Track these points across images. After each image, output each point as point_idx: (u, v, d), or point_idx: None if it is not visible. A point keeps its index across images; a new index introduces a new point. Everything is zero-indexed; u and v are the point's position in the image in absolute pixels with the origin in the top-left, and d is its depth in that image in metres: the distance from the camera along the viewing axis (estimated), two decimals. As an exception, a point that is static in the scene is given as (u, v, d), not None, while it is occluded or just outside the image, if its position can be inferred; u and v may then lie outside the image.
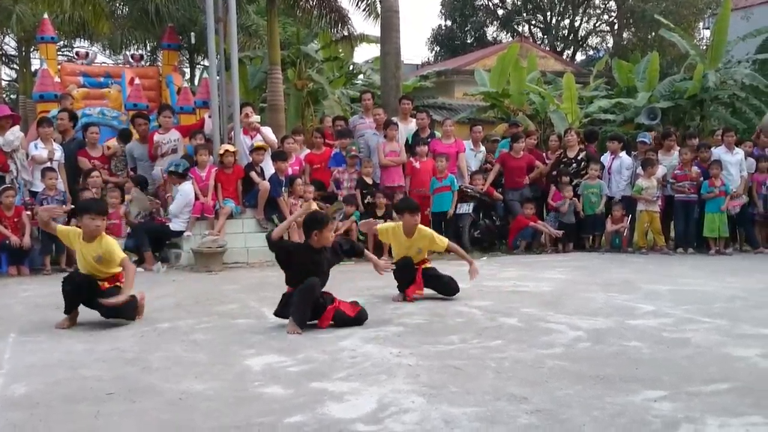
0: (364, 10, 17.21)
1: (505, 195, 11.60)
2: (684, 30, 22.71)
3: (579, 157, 11.68)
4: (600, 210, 11.24)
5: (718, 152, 11.36)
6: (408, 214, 6.77)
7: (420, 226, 6.87)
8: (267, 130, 11.21)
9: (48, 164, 9.67)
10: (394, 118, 11.67)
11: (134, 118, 10.92)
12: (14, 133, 9.71)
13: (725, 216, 10.81)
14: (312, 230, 5.59)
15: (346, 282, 7.96)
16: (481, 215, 11.29)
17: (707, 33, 29.51)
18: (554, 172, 11.68)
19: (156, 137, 10.44)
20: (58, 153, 9.92)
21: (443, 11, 40.97)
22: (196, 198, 9.96)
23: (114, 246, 5.77)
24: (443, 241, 7.02)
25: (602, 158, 11.75)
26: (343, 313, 5.54)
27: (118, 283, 5.75)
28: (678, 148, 11.60)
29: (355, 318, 5.57)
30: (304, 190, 10.24)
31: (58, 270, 9.22)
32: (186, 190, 9.85)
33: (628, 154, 11.76)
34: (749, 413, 3.38)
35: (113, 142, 11.00)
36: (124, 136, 11.00)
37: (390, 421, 3.35)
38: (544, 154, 12.37)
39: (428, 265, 6.95)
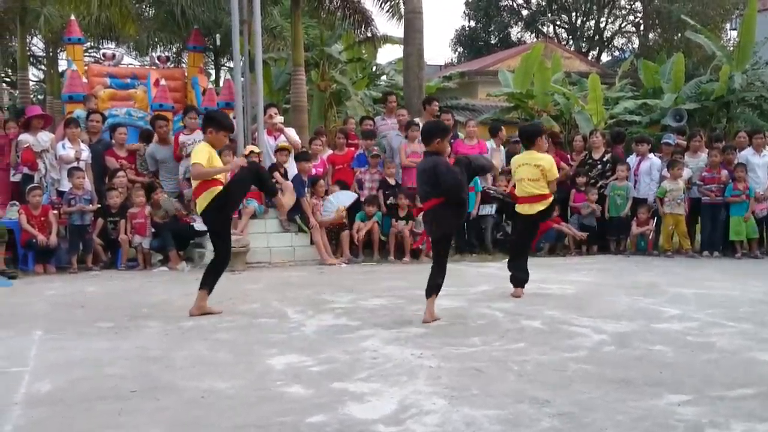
0: (387, 11, 17.22)
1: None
2: (710, 31, 22.42)
3: (604, 159, 11.59)
4: (625, 213, 11.12)
5: (746, 154, 11.20)
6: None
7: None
8: (291, 131, 11.24)
9: (75, 164, 9.79)
10: (417, 119, 11.64)
11: (155, 120, 10.94)
12: (47, 134, 9.98)
13: (752, 218, 10.67)
14: (434, 138, 5.74)
15: (369, 282, 7.99)
16: (503, 217, 11.23)
17: (734, 34, 29.17)
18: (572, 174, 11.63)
19: (181, 138, 10.50)
20: (86, 153, 10.03)
21: (467, 12, 40.85)
22: (220, 198, 10.02)
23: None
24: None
25: (628, 160, 11.64)
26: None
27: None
28: (705, 150, 11.46)
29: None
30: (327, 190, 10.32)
31: (84, 269, 9.32)
32: (207, 190, 9.90)
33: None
34: (775, 419, 3.34)
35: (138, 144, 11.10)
36: (146, 137, 11.08)
37: (411, 422, 3.35)
38: (568, 156, 12.28)
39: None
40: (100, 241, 9.70)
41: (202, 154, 6.02)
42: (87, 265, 9.44)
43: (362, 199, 10.64)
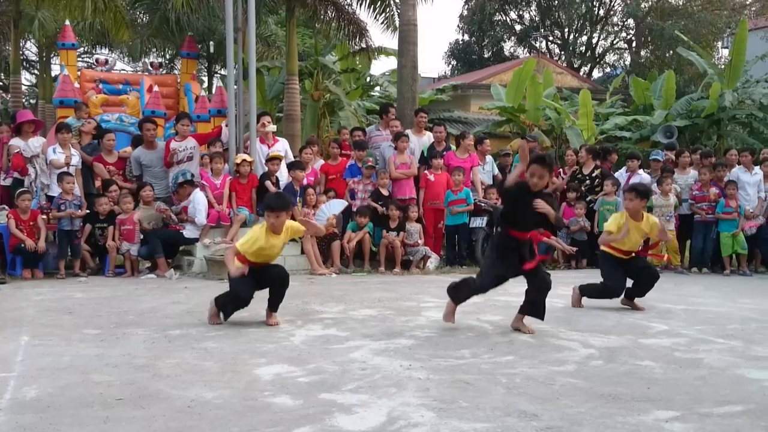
0: (382, 22, 17.27)
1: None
2: (702, 49, 22.63)
3: (593, 174, 11.64)
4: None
5: (737, 172, 11.29)
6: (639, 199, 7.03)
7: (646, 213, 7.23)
8: (283, 142, 11.32)
9: (65, 169, 9.75)
10: (407, 131, 11.68)
11: (143, 123, 10.85)
12: (38, 140, 9.96)
13: (741, 234, 10.73)
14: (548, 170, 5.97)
15: (359, 293, 7.97)
16: (494, 229, 11.25)
17: (725, 52, 29.43)
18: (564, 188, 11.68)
19: (173, 144, 10.47)
20: (76, 158, 9.99)
21: (461, 26, 41.06)
22: (210, 206, 10.00)
23: (296, 225, 6.22)
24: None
25: (617, 175, 11.69)
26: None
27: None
28: (694, 166, 11.53)
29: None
30: (317, 199, 10.28)
31: (71, 275, 9.27)
32: (200, 197, 9.88)
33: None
34: (763, 436, 3.34)
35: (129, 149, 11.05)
36: (137, 142, 11.04)
37: (399, 434, 3.33)
38: (560, 170, 12.33)
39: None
40: (87, 248, 9.65)
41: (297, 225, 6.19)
42: (74, 271, 9.38)
43: (354, 209, 10.63)
